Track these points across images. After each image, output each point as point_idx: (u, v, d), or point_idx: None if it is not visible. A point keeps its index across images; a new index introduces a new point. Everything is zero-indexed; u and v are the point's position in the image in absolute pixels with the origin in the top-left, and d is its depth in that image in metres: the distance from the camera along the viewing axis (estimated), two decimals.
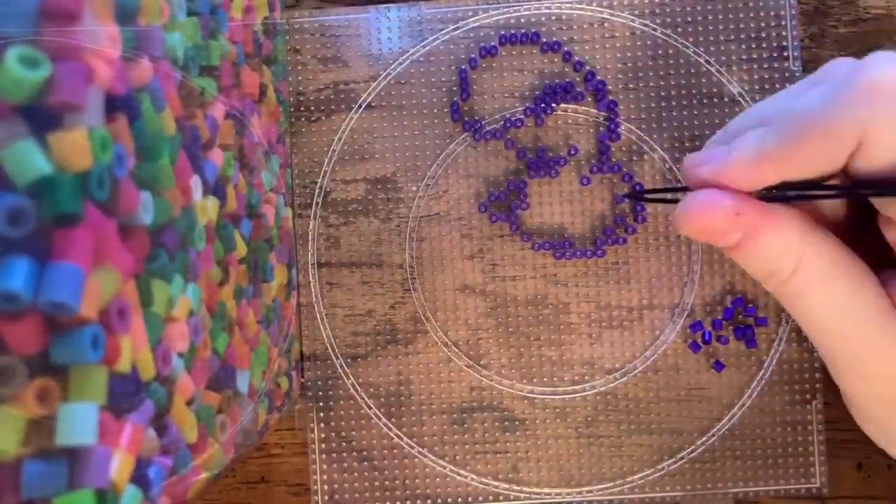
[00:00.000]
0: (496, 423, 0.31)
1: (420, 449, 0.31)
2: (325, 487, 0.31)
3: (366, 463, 0.31)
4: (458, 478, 0.31)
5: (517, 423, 0.31)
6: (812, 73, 0.23)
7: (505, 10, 0.31)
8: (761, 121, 0.23)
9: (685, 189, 0.25)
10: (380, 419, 0.31)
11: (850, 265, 0.23)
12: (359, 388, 0.31)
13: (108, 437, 0.16)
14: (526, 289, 0.31)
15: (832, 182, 0.22)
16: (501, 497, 0.31)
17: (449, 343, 0.31)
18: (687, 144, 0.30)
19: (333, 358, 0.31)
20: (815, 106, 0.21)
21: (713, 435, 0.30)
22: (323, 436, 0.31)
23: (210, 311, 0.22)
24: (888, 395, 0.23)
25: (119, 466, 0.16)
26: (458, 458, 0.31)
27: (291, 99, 0.31)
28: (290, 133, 0.31)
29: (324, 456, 0.31)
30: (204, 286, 0.22)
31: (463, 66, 0.31)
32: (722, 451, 0.30)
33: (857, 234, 0.24)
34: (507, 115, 0.31)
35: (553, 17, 0.31)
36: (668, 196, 0.29)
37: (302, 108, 0.31)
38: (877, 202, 0.22)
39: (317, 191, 0.31)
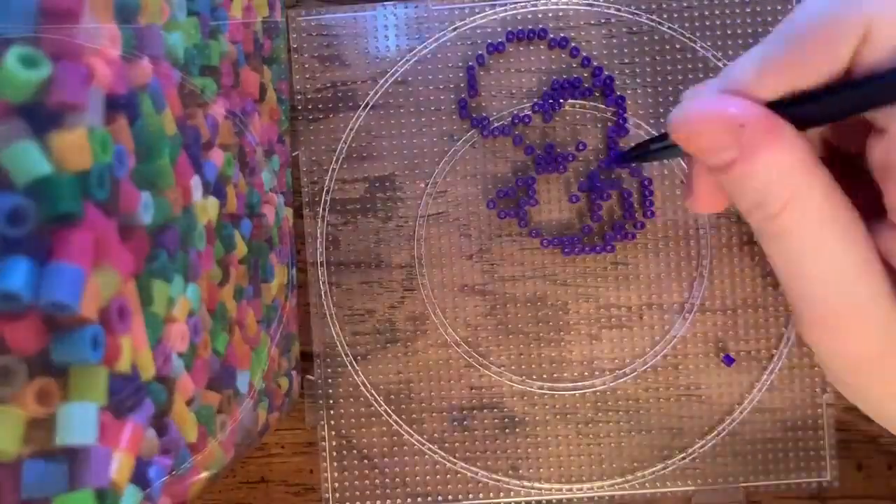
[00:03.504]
0: (496, 422, 0.31)
1: (431, 446, 0.31)
2: (336, 485, 0.31)
3: (376, 460, 0.31)
4: (468, 475, 0.31)
5: (517, 420, 0.31)
6: None
7: (511, 6, 0.31)
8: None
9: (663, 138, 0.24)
10: (390, 416, 0.31)
11: (843, 209, 0.21)
12: (369, 386, 0.31)
13: (108, 437, 0.16)
14: (526, 288, 0.31)
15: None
16: (512, 493, 0.31)
17: (449, 342, 0.31)
18: None
19: (343, 356, 0.31)
20: (821, 3, 0.20)
21: (723, 430, 0.30)
22: (334, 433, 0.31)
23: (210, 311, 0.22)
24: (860, 353, 0.21)
25: (119, 466, 0.16)
26: (457, 455, 0.31)
27: (291, 99, 0.31)
28: (291, 133, 0.31)
29: (334, 454, 0.31)
30: (204, 286, 0.22)
31: (471, 63, 0.31)
32: (732, 446, 0.30)
33: (848, 179, 0.22)
34: (515, 112, 0.31)
35: (560, 14, 0.31)
36: (658, 146, 0.25)
37: (301, 108, 0.31)
38: (870, 116, 0.20)
39: (318, 190, 0.31)
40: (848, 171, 0.22)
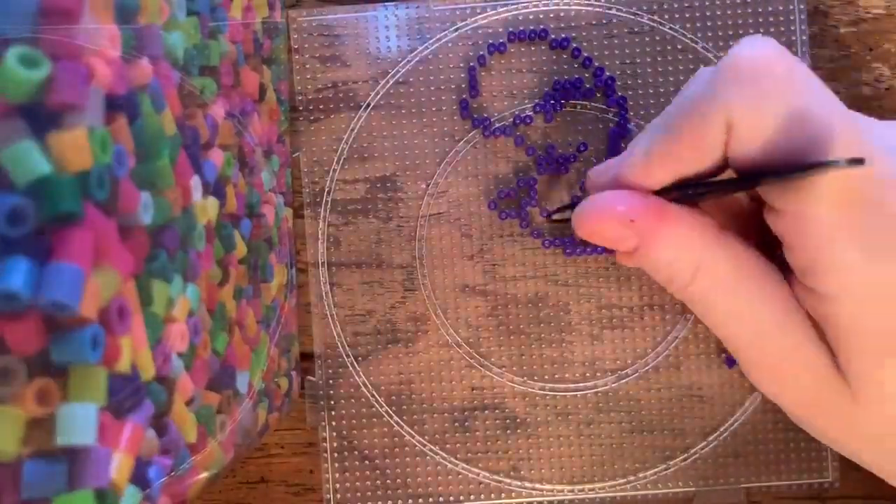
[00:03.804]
0: (497, 422, 0.31)
1: (432, 446, 0.31)
2: (338, 486, 0.31)
3: (377, 461, 0.31)
4: (469, 475, 0.31)
5: (518, 421, 0.31)
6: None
7: (513, 7, 0.31)
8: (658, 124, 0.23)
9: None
10: (391, 417, 0.31)
11: (753, 270, 0.22)
12: (370, 387, 0.31)
13: (108, 437, 0.16)
14: (527, 288, 0.31)
15: (725, 177, 0.22)
16: (514, 494, 0.31)
17: (450, 343, 0.31)
18: None
19: (344, 357, 0.31)
20: (689, 96, 0.21)
21: (725, 431, 0.30)
22: (334, 434, 0.31)
23: (210, 311, 0.22)
24: (798, 396, 0.23)
25: (119, 466, 0.16)
26: (458, 456, 0.31)
27: (292, 99, 0.31)
28: (291, 133, 0.31)
29: (335, 455, 0.31)
30: (204, 286, 0.22)
31: (472, 64, 0.31)
32: (734, 447, 0.30)
33: (766, 238, 0.23)
34: (517, 112, 0.31)
35: (561, 14, 0.31)
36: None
37: (302, 109, 0.31)
38: (761, 191, 0.21)
39: (318, 191, 0.31)
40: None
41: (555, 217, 0.29)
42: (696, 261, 0.22)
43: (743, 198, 0.25)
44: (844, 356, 0.21)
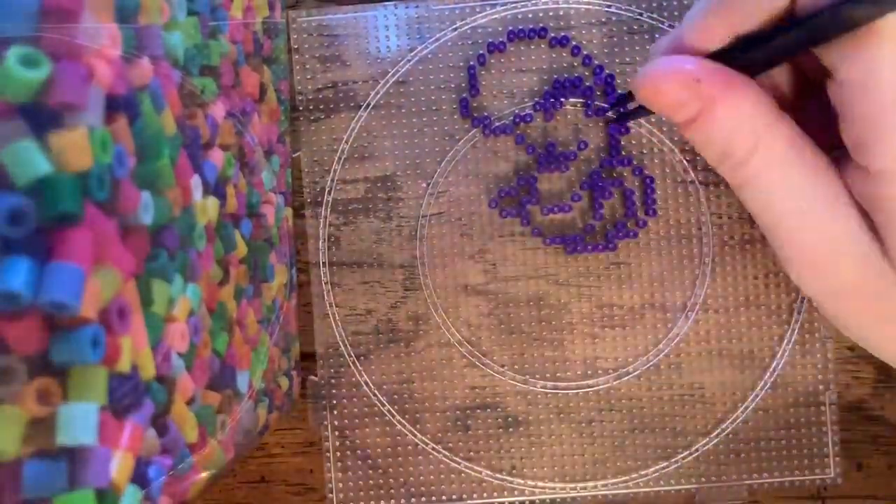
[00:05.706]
0: (498, 421, 0.31)
1: (433, 445, 0.31)
2: (340, 485, 0.31)
3: (379, 460, 0.31)
4: (470, 474, 0.31)
5: (519, 420, 0.31)
6: None
7: (512, 6, 0.31)
8: None
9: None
10: (392, 416, 0.31)
11: (806, 151, 0.22)
12: (371, 386, 0.31)
13: (108, 437, 0.16)
14: (528, 288, 0.31)
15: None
16: (515, 493, 0.31)
17: (451, 342, 0.31)
18: None
19: (346, 356, 0.31)
20: None
21: (726, 429, 0.30)
22: (336, 433, 0.31)
23: (210, 311, 0.22)
24: (838, 285, 0.22)
25: (119, 466, 0.16)
26: (459, 455, 0.31)
27: (292, 99, 0.31)
28: (291, 133, 0.31)
29: (337, 454, 0.31)
30: (204, 286, 0.22)
31: (472, 63, 0.31)
32: (735, 445, 0.30)
33: (809, 118, 0.23)
34: (517, 111, 0.31)
35: (561, 13, 0.31)
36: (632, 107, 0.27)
37: (302, 109, 0.31)
38: (824, 54, 0.20)
39: (319, 190, 0.31)
40: (822, 114, 0.23)
41: (616, 114, 0.28)
42: (756, 136, 0.22)
43: (791, 82, 0.24)
44: (892, 239, 0.21)
